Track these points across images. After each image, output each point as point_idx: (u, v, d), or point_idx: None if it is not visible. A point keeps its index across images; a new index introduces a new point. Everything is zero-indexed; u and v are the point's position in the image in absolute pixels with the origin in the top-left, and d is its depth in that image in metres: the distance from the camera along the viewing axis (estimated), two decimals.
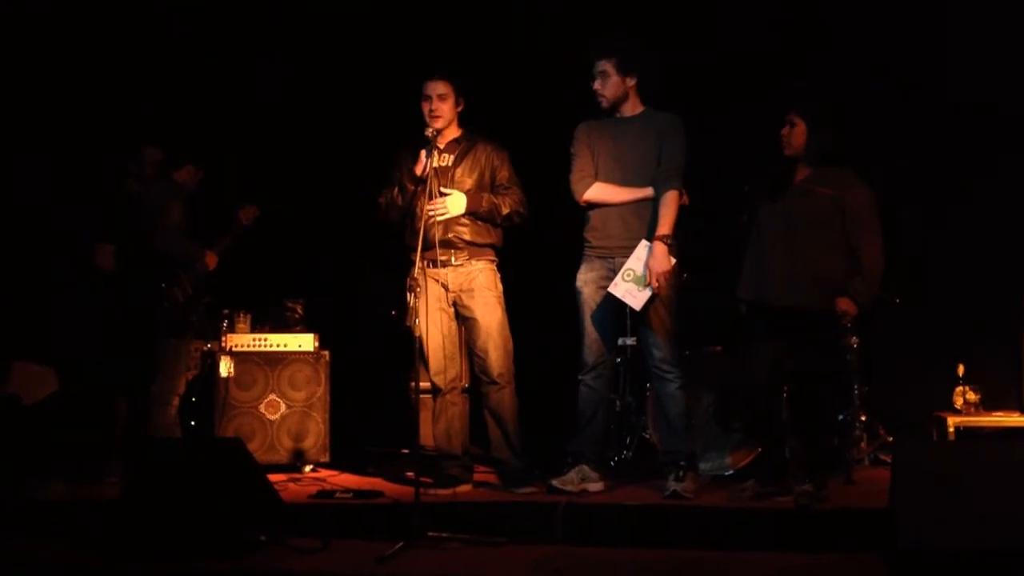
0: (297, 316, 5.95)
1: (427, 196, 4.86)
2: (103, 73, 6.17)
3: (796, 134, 4.62)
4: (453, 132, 5.06)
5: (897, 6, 5.77)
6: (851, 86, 5.67)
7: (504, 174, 5.03)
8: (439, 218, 4.88)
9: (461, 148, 5.05)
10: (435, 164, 4.93)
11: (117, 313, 5.38)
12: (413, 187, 4.93)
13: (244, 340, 5.82)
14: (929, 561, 3.74)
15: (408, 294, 4.49)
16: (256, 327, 5.90)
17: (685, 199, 4.81)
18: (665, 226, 4.68)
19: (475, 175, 5.01)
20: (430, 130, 4.90)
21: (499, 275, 5.06)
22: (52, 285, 5.75)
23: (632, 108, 4.88)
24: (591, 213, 4.89)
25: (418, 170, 4.91)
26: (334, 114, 6.34)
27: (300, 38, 6.35)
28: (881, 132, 5.59)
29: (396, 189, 5.00)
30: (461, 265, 4.98)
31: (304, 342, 5.84)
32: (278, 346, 5.83)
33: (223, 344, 5.77)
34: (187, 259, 5.52)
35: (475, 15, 6.14)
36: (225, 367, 5.70)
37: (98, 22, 6.18)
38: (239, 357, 5.76)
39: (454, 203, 4.91)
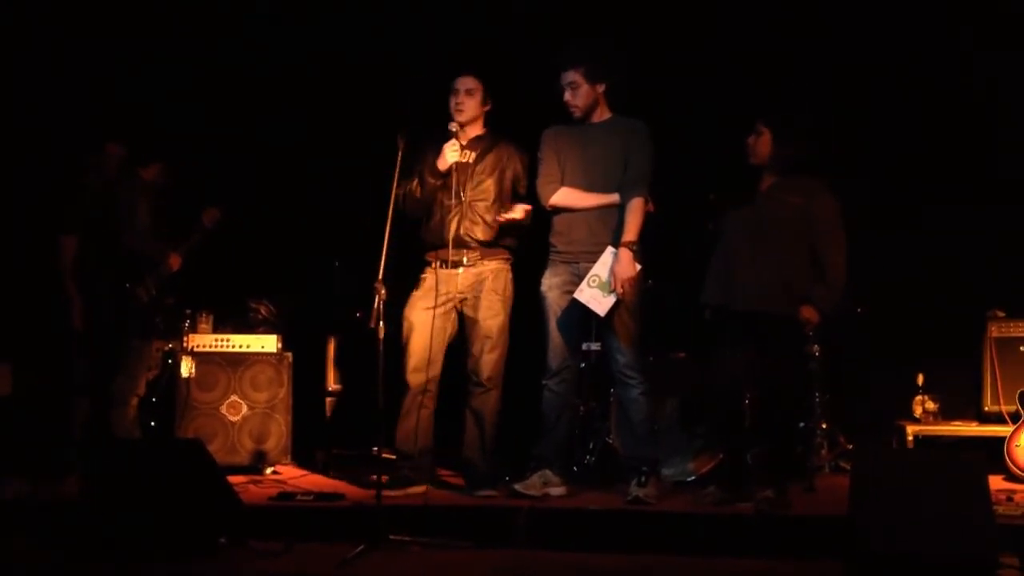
0: (260, 317, 5.91)
1: (452, 192, 4.88)
2: (68, 68, 6.10)
3: (762, 143, 4.66)
4: (476, 130, 5.06)
5: (860, 23, 5.83)
6: (820, 94, 5.71)
7: (525, 184, 5.04)
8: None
9: (483, 145, 5.04)
10: (457, 160, 4.92)
11: (81, 311, 5.31)
12: (434, 181, 4.92)
13: (206, 340, 5.78)
14: (887, 567, 3.77)
15: (375, 296, 4.45)
16: (218, 327, 5.86)
17: (651, 206, 4.83)
18: (631, 232, 4.70)
19: (495, 174, 5.01)
20: (454, 124, 4.91)
21: (511, 275, 5.05)
22: (12, 281, 5.68)
23: (600, 114, 4.89)
24: (556, 218, 4.90)
25: (441, 165, 4.90)
26: (300, 113, 6.30)
27: (267, 37, 6.30)
28: (845, 142, 5.62)
29: (416, 182, 4.96)
30: (473, 265, 4.98)
31: (267, 343, 5.80)
32: (240, 347, 5.79)
33: (185, 344, 5.72)
34: (153, 260, 5.47)
35: (446, 16, 6.13)
36: (186, 367, 5.65)
37: (64, 16, 6.11)
38: (201, 357, 5.72)
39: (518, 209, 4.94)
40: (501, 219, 4.93)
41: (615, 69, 4.85)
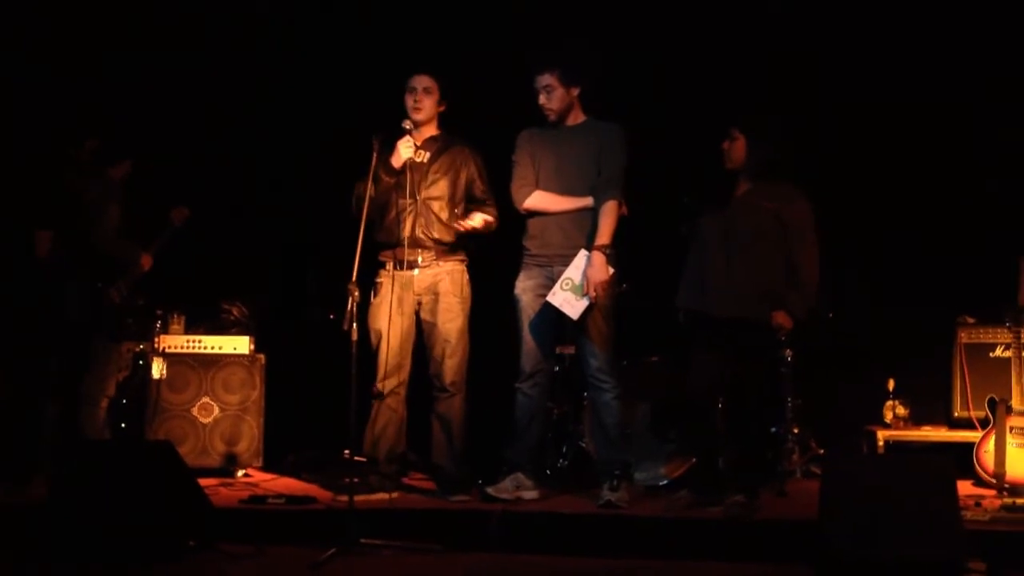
0: (232, 318, 5.88)
1: (405, 191, 4.85)
2: (38, 62, 6.05)
3: (737, 148, 4.68)
4: (431, 130, 5.04)
5: (836, 22, 5.87)
6: (791, 97, 5.74)
7: (481, 186, 5.04)
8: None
9: (438, 146, 5.02)
10: (411, 157, 4.89)
11: (52, 312, 5.27)
12: (388, 179, 4.89)
13: (177, 341, 5.73)
14: (856, 572, 3.80)
15: (348, 297, 4.44)
16: (190, 328, 5.81)
17: (624, 209, 4.84)
18: (604, 236, 4.71)
19: (450, 174, 4.99)
20: (408, 122, 4.88)
21: (468, 276, 5.04)
22: None
23: (575, 117, 4.90)
24: (530, 221, 4.90)
25: (395, 162, 4.87)
26: (271, 113, 6.27)
27: (235, 35, 6.27)
28: (816, 146, 5.66)
29: (370, 180, 4.91)
30: (428, 266, 4.96)
31: (239, 344, 5.76)
32: (212, 348, 5.74)
33: (156, 345, 5.68)
34: (124, 260, 5.43)
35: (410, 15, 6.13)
36: (157, 369, 5.60)
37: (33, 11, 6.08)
38: (172, 359, 5.67)
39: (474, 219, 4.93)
40: (459, 226, 4.91)
41: (589, 72, 4.85)
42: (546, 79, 4.80)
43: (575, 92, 4.84)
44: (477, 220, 4.92)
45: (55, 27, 6.11)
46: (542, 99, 4.82)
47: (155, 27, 6.18)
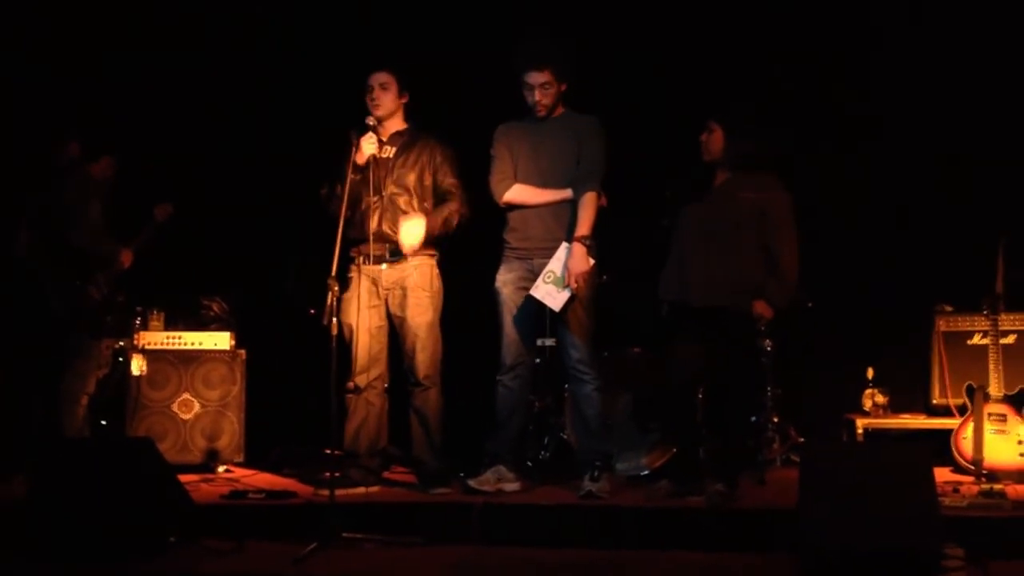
0: (212, 314, 5.86)
1: (371, 186, 4.84)
2: (38, 62, 6.03)
3: (714, 140, 4.69)
4: (397, 124, 5.04)
5: (818, 14, 5.90)
6: (770, 88, 5.76)
7: (450, 180, 5.01)
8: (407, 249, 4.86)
9: (404, 140, 5.02)
10: (378, 155, 4.89)
11: (33, 310, 5.25)
12: (353, 176, 4.87)
13: (157, 338, 5.71)
14: (834, 559, 3.82)
15: (328, 293, 4.43)
16: (170, 325, 5.80)
17: (604, 201, 4.84)
18: (584, 227, 4.71)
19: (417, 169, 4.98)
20: (371, 119, 4.87)
21: (437, 271, 5.03)
22: None
23: (555, 111, 4.90)
24: (510, 214, 4.90)
25: (359, 159, 4.86)
26: (251, 109, 6.25)
27: (216, 31, 6.25)
28: (794, 135, 5.68)
29: (348, 175, 4.88)
30: (396, 261, 4.96)
31: (220, 340, 5.75)
32: (192, 344, 5.73)
33: (136, 342, 5.66)
34: (104, 257, 5.41)
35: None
36: (137, 365, 5.59)
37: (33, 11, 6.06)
38: (152, 355, 5.65)
39: (410, 234, 4.85)
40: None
41: (579, 67, 4.86)
42: (544, 76, 4.77)
43: (564, 88, 4.84)
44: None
45: (55, 27, 6.09)
46: (538, 95, 4.79)
47: (156, 27, 6.17)
